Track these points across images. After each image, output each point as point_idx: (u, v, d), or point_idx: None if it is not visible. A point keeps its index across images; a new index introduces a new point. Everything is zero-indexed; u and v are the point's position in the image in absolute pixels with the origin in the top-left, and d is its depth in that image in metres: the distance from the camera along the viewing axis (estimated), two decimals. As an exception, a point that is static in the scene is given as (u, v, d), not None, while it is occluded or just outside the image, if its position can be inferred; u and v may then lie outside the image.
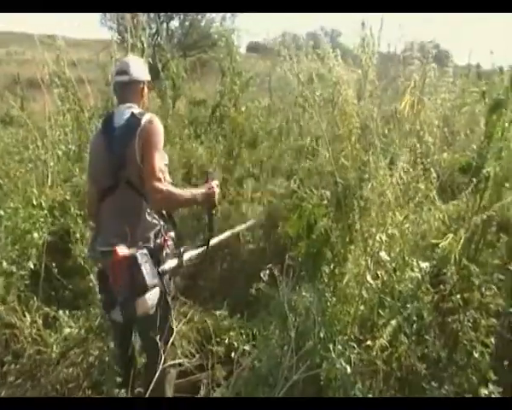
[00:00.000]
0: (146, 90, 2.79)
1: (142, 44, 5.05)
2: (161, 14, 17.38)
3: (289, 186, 2.83)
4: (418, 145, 3.06)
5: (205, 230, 2.87)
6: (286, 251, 3.29)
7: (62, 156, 4.08)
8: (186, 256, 2.67)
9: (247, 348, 2.86)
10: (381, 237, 2.54)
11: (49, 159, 3.90)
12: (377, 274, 2.56)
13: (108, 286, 2.47)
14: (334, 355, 2.23)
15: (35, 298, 3.30)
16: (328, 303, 2.51)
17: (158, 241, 2.57)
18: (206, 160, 4.54)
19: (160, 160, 2.53)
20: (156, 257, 2.53)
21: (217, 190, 2.69)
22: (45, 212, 3.50)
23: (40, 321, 3.21)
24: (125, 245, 2.41)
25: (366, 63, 3.16)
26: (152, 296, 2.45)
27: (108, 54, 5.97)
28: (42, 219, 3.44)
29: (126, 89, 2.69)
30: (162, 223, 2.62)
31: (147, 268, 2.40)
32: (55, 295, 3.53)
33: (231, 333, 3.10)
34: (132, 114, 2.59)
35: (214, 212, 2.82)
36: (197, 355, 2.97)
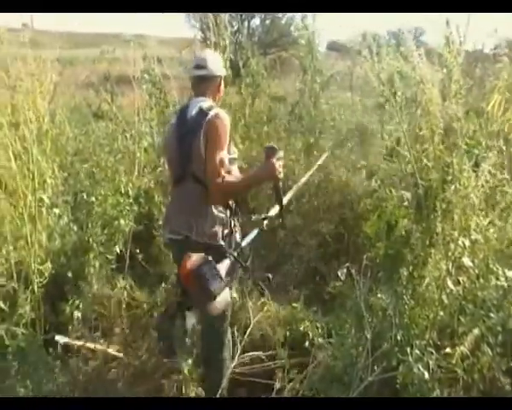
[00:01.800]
0: (222, 84, 2.86)
1: (225, 42, 5.17)
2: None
3: (369, 185, 2.81)
4: (505, 147, 2.94)
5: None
6: (363, 250, 3.30)
7: (148, 148, 4.27)
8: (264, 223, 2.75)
9: (321, 340, 2.88)
10: (463, 242, 2.47)
11: (137, 150, 4.11)
12: (458, 280, 2.49)
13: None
14: (411, 359, 2.20)
15: (121, 280, 3.52)
16: (406, 306, 2.47)
17: (226, 231, 2.64)
18: (285, 157, 4.59)
19: (223, 154, 2.58)
20: (226, 245, 2.60)
21: (277, 163, 2.63)
22: (131, 200, 3.68)
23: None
24: (193, 249, 2.44)
25: (451, 62, 3.08)
26: (221, 299, 2.45)
27: (190, 51, 6.18)
28: (128, 207, 3.63)
29: (203, 83, 2.76)
30: (228, 213, 2.67)
31: (213, 278, 2.38)
32: (138, 280, 3.72)
33: (306, 323, 3.10)
34: (200, 108, 2.66)
35: (280, 184, 2.79)
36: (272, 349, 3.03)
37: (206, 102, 2.71)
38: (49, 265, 2.98)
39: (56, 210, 3.35)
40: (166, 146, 2.83)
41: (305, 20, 5.71)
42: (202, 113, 2.63)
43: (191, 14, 18.09)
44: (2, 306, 2.72)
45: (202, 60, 2.78)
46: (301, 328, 3.05)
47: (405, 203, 2.67)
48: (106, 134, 5.01)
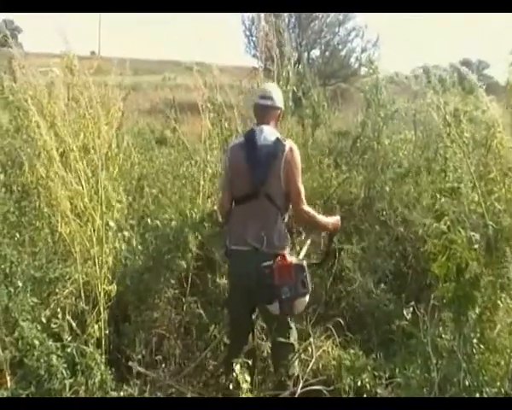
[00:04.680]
0: (281, 116, 3.28)
1: (288, 74, 5.24)
2: (303, 42, 17.90)
3: (438, 227, 2.76)
4: None
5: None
6: (426, 290, 3.23)
7: (212, 177, 4.34)
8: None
9: (379, 391, 2.84)
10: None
11: (201, 178, 4.22)
12: (533, 328, 2.41)
13: (266, 284, 2.82)
14: (481, 407, 2.14)
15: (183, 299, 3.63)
16: (475, 350, 2.41)
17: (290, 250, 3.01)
18: (345, 190, 4.60)
19: (301, 183, 2.99)
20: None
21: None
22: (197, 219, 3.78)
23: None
24: (270, 249, 2.88)
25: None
26: (307, 299, 2.87)
27: (250, 80, 6.28)
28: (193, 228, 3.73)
29: (267, 112, 3.13)
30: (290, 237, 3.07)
31: (308, 276, 2.82)
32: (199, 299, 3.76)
33: (364, 376, 2.98)
34: (278, 138, 3.00)
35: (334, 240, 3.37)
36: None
37: (274, 131, 3.08)
38: (115, 286, 3.07)
39: (123, 233, 3.46)
40: (233, 166, 3.08)
41: (366, 52, 5.70)
42: (280, 143, 2.98)
43: (251, 43, 18.61)
44: (73, 324, 2.82)
45: (268, 91, 3.20)
46: (364, 376, 2.98)
47: (475, 245, 2.61)
48: (169, 160, 5.15)
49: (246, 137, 3.09)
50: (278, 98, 3.19)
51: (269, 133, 3.03)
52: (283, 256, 2.83)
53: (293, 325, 3.05)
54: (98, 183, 3.13)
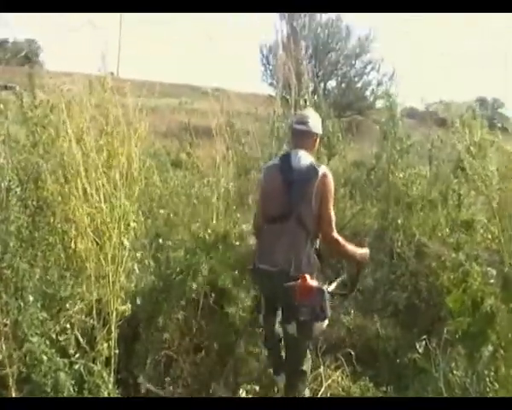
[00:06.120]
0: (317, 141, 3.27)
1: (305, 102, 5.30)
2: (319, 73, 18.03)
3: (454, 256, 2.74)
4: None
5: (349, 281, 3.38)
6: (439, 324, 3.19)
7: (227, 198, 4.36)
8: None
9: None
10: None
11: (215, 199, 4.26)
12: (550, 368, 2.36)
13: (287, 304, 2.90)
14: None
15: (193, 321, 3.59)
16: (488, 388, 2.36)
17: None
18: (359, 221, 4.58)
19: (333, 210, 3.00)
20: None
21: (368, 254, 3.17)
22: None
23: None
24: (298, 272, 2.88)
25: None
26: (325, 325, 2.90)
27: (266, 108, 6.35)
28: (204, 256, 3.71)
29: (303, 137, 3.15)
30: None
31: (328, 300, 2.85)
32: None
33: None
34: (311, 163, 3.04)
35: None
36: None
37: (309, 156, 3.09)
38: (129, 306, 3.06)
39: (137, 254, 3.46)
40: (267, 187, 3.17)
41: (382, 85, 5.74)
42: (314, 168, 3.00)
43: (268, 71, 18.83)
44: (81, 339, 2.80)
45: (305, 117, 3.22)
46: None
47: (491, 281, 2.58)
48: (184, 183, 5.17)
49: (281, 159, 3.17)
50: (314, 124, 3.20)
51: (303, 157, 3.07)
52: (304, 278, 2.83)
53: (309, 354, 3.06)
54: (118, 201, 3.14)
